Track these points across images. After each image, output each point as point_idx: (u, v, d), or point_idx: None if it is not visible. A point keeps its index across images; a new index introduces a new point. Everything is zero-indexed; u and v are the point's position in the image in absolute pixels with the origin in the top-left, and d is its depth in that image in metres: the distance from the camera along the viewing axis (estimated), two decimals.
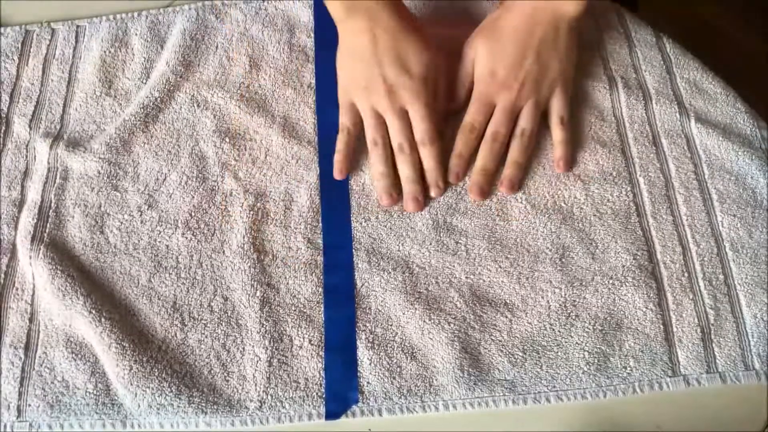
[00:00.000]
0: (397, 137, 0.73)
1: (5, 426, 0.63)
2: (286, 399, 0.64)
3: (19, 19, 0.87)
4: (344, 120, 0.75)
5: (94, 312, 0.66)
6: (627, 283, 0.68)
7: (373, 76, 0.73)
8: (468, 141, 0.74)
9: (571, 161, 0.74)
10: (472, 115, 0.74)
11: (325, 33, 0.83)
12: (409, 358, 0.65)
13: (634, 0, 1.10)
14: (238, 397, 0.64)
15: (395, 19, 0.72)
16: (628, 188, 0.72)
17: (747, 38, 0.86)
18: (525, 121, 0.74)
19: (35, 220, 0.72)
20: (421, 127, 0.73)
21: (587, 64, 0.80)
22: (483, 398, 0.64)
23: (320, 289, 0.69)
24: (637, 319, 0.66)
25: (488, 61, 0.74)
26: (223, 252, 0.71)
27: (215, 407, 0.64)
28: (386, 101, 0.73)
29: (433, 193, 0.72)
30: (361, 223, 0.72)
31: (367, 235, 0.71)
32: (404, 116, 0.73)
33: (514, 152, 0.73)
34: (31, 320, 0.68)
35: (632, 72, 0.80)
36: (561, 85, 0.75)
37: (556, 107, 0.75)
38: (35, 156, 0.77)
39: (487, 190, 0.72)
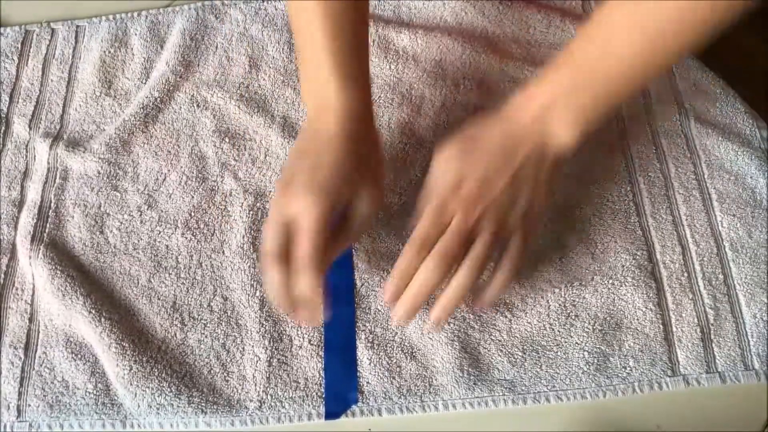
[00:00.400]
0: None
1: (5, 426, 0.63)
2: (285, 399, 0.64)
3: (19, 19, 0.87)
4: None
5: (93, 312, 0.66)
6: (626, 283, 0.68)
7: (287, 181, 0.62)
8: (413, 258, 0.60)
9: (491, 305, 0.65)
10: (425, 229, 0.61)
11: None
12: (408, 357, 0.65)
13: None
14: (237, 397, 0.64)
15: (341, 124, 0.63)
16: (628, 188, 0.72)
17: (747, 38, 0.86)
18: (479, 249, 0.60)
19: (35, 220, 0.72)
20: (300, 246, 0.59)
21: None
22: (483, 398, 0.64)
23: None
24: (637, 319, 0.66)
25: (456, 172, 0.62)
26: (223, 252, 0.71)
27: (215, 407, 0.64)
28: (278, 209, 0.62)
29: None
30: None
31: (367, 234, 0.71)
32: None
33: (459, 276, 0.60)
34: (30, 320, 0.68)
35: None
36: (527, 225, 0.62)
37: (513, 249, 0.62)
38: (35, 156, 0.77)
39: (412, 315, 0.61)
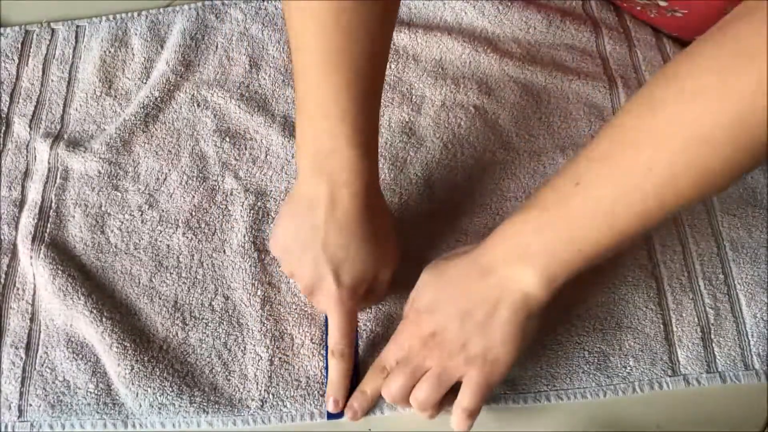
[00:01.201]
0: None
1: (6, 426, 0.63)
2: (287, 398, 0.64)
3: (19, 19, 0.87)
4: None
5: (95, 312, 0.66)
6: (627, 283, 0.68)
7: (302, 264, 0.63)
8: (376, 380, 0.62)
9: None
10: (385, 356, 0.62)
11: None
12: None
13: None
14: (239, 396, 0.64)
15: (356, 202, 0.60)
16: None
17: None
18: (420, 389, 0.59)
19: (36, 220, 0.72)
20: (333, 338, 0.63)
21: (588, 63, 0.80)
22: None
23: None
24: (637, 319, 0.66)
25: (422, 301, 0.60)
26: (224, 251, 0.71)
27: (217, 407, 0.64)
28: (309, 298, 0.66)
29: (330, 407, 0.63)
30: None
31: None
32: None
33: (413, 409, 0.61)
34: (32, 320, 0.68)
35: (632, 72, 0.80)
36: (482, 369, 0.57)
37: (466, 396, 0.58)
38: (35, 156, 0.77)
39: (360, 415, 0.63)
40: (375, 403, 0.63)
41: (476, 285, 0.57)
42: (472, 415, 0.58)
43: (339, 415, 0.63)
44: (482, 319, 0.56)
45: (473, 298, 0.57)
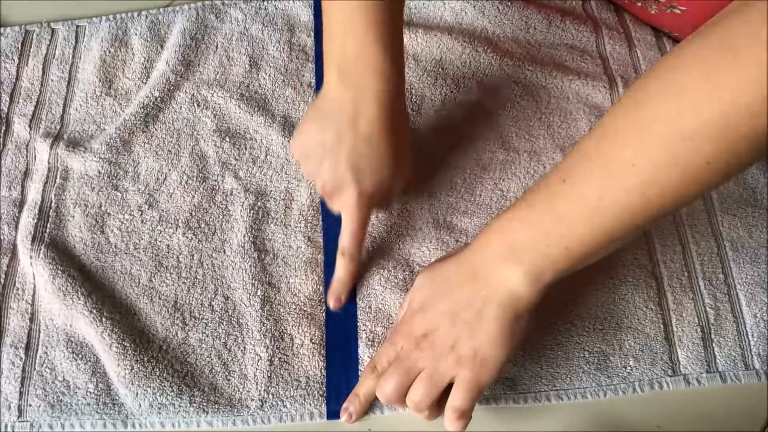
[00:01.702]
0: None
1: (6, 426, 0.63)
2: (287, 398, 0.64)
3: (19, 19, 0.87)
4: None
5: (94, 312, 0.66)
6: (627, 283, 0.68)
7: (323, 168, 0.64)
8: (369, 381, 0.62)
9: None
10: (378, 356, 0.62)
11: None
12: None
13: None
14: (239, 396, 0.64)
15: (381, 109, 0.61)
16: None
17: None
18: (413, 391, 0.59)
19: (36, 220, 0.72)
20: (346, 240, 0.66)
21: (588, 63, 0.80)
22: (483, 396, 0.64)
23: (321, 288, 0.69)
24: (637, 319, 0.66)
25: (416, 302, 0.60)
26: (224, 251, 0.71)
27: (216, 407, 0.64)
28: (326, 199, 0.67)
29: (332, 304, 0.67)
30: None
31: (368, 233, 0.71)
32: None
33: (407, 409, 0.62)
34: (31, 320, 0.68)
35: (632, 72, 0.80)
36: (472, 370, 0.57)
37: (457, 396, 0.57)
38: (35, 156, 0.77)
39: (355, 418, 0.64)
40: (369, 405, 0.64)
41: (465, 285, 0.57)
42: (464, 415, 0.57)
43: (338, 414, 0.63)
44: (471, 319, 0.56)
45: (462, 298, 0.57)
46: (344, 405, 0.63)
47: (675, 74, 0.46)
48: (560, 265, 0.54)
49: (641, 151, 0.47)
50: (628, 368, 0.64)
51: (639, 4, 0.81)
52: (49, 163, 0.76)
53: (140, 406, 0.63)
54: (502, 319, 0.56)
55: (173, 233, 0.72)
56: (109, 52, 0.83)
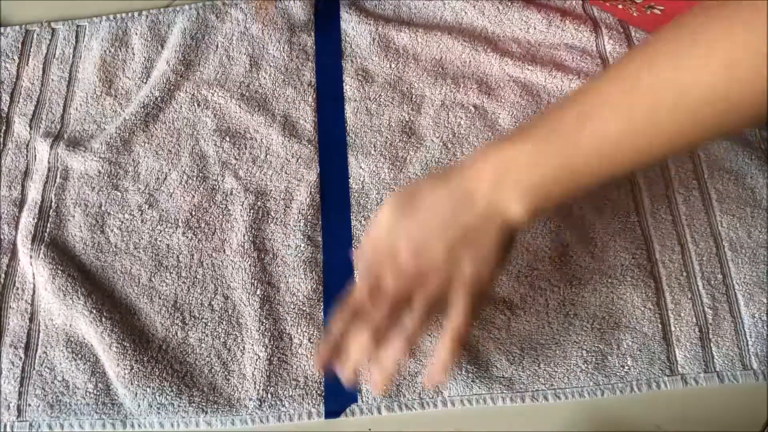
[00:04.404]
0: None
1: (5, 426, 0.63)
2: (285, 397, 0.64)
3: (19, 19, 0.87)
4: None
5: (94, 312, 0.66)
6: (625, 282, 0.68)
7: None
8: (345, 326, 0.57)
9: (438, 381, 0.58)
10: (359, 296, 0.57)
11: (325, 31, 0.83)
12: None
13: None
14: (238, 395, 0.64)
15: None
16: (628, 187, 0.72)
17: None
18: (408, 323, 0.56)
19: (36, 220, 0.72)
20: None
21: (587, 63, 0.80)
22: (481, 395, 0.64)
23: (320, 288, 0.69)
24: (636, 318, 0.66)
25: (395, 233, 0.57)
26: (224, 251, 0.71)
27: (215, 406, 0.64)
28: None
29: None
30: (360, 222, 0.72)
31: (367, 233, 0.71)
32: None
33: (391, 350, 0.57)
34: (31, 320, 0.68)
35: None
36: (472, 295, 0.55)
37: (454, 321, 0.55)
38: (36, 156, 0.77)
39: (354, 381, 0.59)
40: (361, 363, 0.57)
41: (460, 211, 0.55)
42: (463, 338, 0.55)
43: (337, 414, 0.63)
44: (464, 244, 0.55)
45: (453, 223, 0.55)
46: (320, 350, 0.57)
47: (696, 26, 0.47)
48: (564, 198, 0.54)
49: (660, 99, 0.48)
50: (626, 368, 0.64)
51: (620, 6, 0.80)
52: (49, 162, 0.76)
53: (139, 406, 0.64)
54: (498, 243, 0.55)
55: (173, 233, 0.72)
56: (110, 51, 0.83)
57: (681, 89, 0.47)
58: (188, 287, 0.69)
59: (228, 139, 0.77)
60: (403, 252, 0.56)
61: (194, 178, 0.75)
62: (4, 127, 0.79)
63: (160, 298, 0.69)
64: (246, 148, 0.76)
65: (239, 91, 0.80)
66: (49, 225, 0.72)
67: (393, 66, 0.81)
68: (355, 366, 0.57)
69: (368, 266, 0.58)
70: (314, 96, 0.80)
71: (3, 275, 0.70)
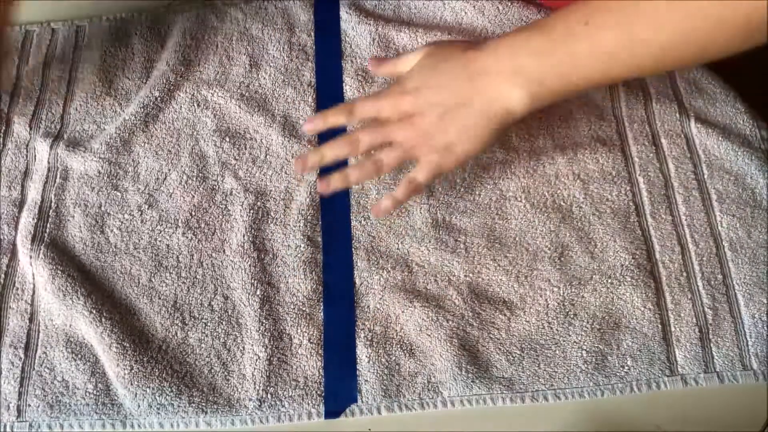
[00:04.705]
0: None
1: (5, 426, 0.63)
2: (285, 398, 0.64)
3: (19, 19, 0.87)
4: None
5: (94, 312, 0.66)
6: (625, 283, 0.68)
7: None
8: (330, 113, 0.71)
9: (384, 214, 0.71)
10: (359, 103, 0.70)
11: (325, 31, 0.83)
12: (407, 355, 0.66)
13: None
14: (238, 396, 0.64)
15: None
16: (628, 187, 0.72)
17: None
18: (379, 157, 0.68)
19: (35, 220, 0.72)
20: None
21: None
22: (481, 396, 0.64)
23: (320, 288, 0.69)
24: (636, 319, 0.66)
25: (414, 81, 0.67)
26: (224, 251, 0.71)
27: (215, 407, 0.64)
28: None
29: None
30: (360, 222, 0.72)
31: (367, 233, 0.71)
32: None
33: (350, 169, 0.69)
34: (31, 320, 0.68)
35: None
36: (441, 158, 0.66)
37: (420, 172, 0.68)
38: (35, 156, 0.77)
39: (306, 170, 0.71)
40: (318, 165, 0.70)
41: (465, 86, 0.64)
42: (418, 188, 0.68)
43: (337, 414, 0.63)
44: (459, 120, 0.64)
45: (458, 98, 0.64)
46: (308, 121, 0.71)
47: None
48: (560, 95, 0.63)
49: (662, 15, 0.55)
50: (626, 368, 0.64)
51: None
52: (49, 162, 0.76)
53: (139, 406, 0.64)
54: (487, 127, 0.64)
55: (173, 233, 0.72)
56: (109, 51, 0.83)
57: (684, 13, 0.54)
58: (188, 287, 0.69)
59: (228, 139, 0.77)
60: (405, 101, 0.66)
61: (194, 179, 0.75)
62: (3, 128, 0.79)
63: (159, 298, 0.69)
64: (246, 149, 0.76)
65: (239, 91, 0.80)
66: (48, 225, 0.72)
67: None
68: (322, 164, 0.69)
69: (381, 96, 0.68)
70: (314, 96, 0.80)
71: (3, 275, 0.70)
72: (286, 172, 0.75)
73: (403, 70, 0.69)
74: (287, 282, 0.69)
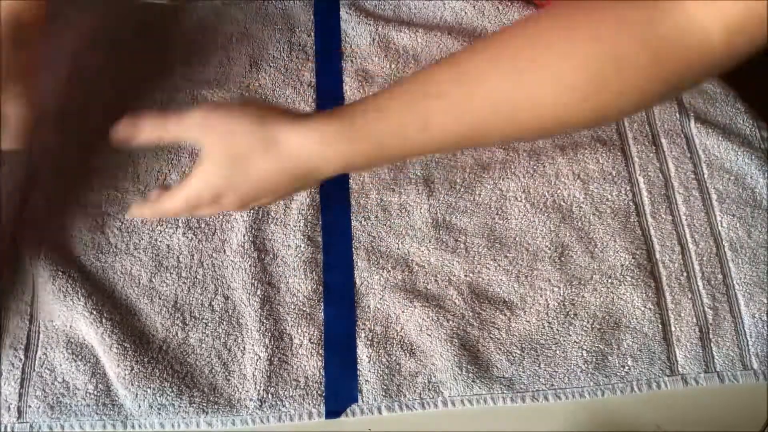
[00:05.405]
0: None
1: (6, 427, 0.63)
2: (286, 398, 0.64)
3: None
4: None
5: (95, 313, 0.66)
6: (626, 282, 0.68)
7: None
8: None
9: (138, 213, 0.64)
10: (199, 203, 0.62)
11: (325, 31, 0.83)
12: (408, 355, 0.66)
13: None
14: (238, 396, 0.65)
15: None
16: (628, 187, 0.72)
17: None
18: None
19: (35, 220, 0.72)
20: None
21: None
22: (481, 395, 0.64)
23: (320, 288, 0.69)
24: (636, 318, 0.66)
25: (219, 190, 0.59)
26: (224, 251, 0.71)
27: (216, 407, 0.64)
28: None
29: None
30: (360, 222, 0.72)
31: (367, 233, 0.71)
32: None
33: None
34: (31, 321, 0.68)
35: None
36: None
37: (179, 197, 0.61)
38: None
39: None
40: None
41: (284, 183, 0.59)
42: (168, 212, 0.62)
43: (338, 414, 0.64)
44: (280, 192, 0.61)
45: (280, 190, 0.60)
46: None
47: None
48: (370, 166, 0.66)
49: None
50: (627, 368, 0.64)
51: None
52: None
53: (140, 406, 0.64)
54: (295, 190, 0.65)
55: (173, 233, 0.72)
56: None
57: (514, 103, 0.52)
58: (188, 288, 0.69)
59: None
60: (225, 202, 0.59)
61: None
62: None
63: (160, 298, 0.69)
64: None
65: (239, 91, 0.80)
66: (49, 225, 0.72)
67: (393, 66, 0.80)
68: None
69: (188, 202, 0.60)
70: (314, 96, 0.80)
71: (3, 276, 0.70)
72: None
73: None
74: (288, 282, 0.69)
